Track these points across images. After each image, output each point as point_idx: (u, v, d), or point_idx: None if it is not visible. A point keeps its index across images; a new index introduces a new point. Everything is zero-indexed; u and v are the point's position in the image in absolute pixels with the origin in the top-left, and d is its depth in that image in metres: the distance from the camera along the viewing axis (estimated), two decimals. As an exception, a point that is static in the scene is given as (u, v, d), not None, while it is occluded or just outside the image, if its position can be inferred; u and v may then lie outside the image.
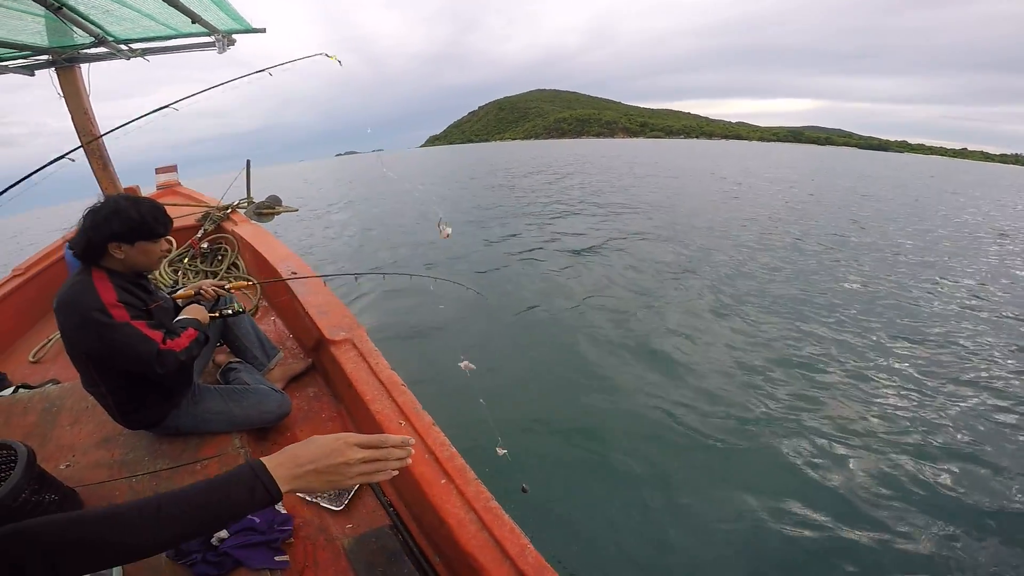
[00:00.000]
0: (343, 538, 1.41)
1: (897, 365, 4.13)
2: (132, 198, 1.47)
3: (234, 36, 2.85)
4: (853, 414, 3.42)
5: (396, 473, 0.75)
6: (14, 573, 0.56)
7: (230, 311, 1.87)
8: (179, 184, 5.07)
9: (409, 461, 0.77)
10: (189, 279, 3.24)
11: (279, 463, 0.70)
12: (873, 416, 3.40)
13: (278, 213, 4.44)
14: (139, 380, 1.54)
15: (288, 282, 2.41)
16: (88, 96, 2.88)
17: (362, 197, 19.10)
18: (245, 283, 2.40)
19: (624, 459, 2.93)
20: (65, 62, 2.71)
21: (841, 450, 3.04)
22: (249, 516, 1.35)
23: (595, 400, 3.58)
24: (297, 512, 1.51)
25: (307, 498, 1.55)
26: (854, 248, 8.56)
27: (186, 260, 3.42)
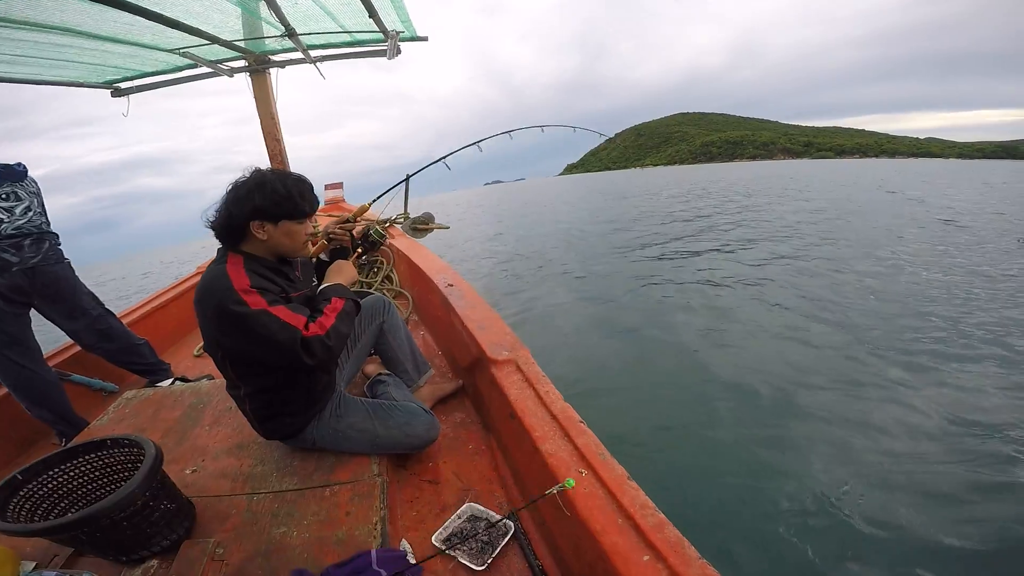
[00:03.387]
0: (479, 606, 1.07)
1: None
2: (278, 171, 1.28)
3: (399, 45, 2.91)
4: None
5: None
6: None
7: (372, 240, 1.79)
8: (343, 201, 5.49)
9: None
10: None
11: None
12: None
13: (431, 230, 4.47)
14: (280, 384, 1.34)
15: (445, 295, 2.17)
16: (275, 102, 3.17)
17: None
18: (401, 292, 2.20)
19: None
20: (258, 65, 3.00)
21: None
22: (375, 568, 1.03)
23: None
24: (430, 567, 1.16)
25: (445, 551, 1.17)
26: None
27: None
